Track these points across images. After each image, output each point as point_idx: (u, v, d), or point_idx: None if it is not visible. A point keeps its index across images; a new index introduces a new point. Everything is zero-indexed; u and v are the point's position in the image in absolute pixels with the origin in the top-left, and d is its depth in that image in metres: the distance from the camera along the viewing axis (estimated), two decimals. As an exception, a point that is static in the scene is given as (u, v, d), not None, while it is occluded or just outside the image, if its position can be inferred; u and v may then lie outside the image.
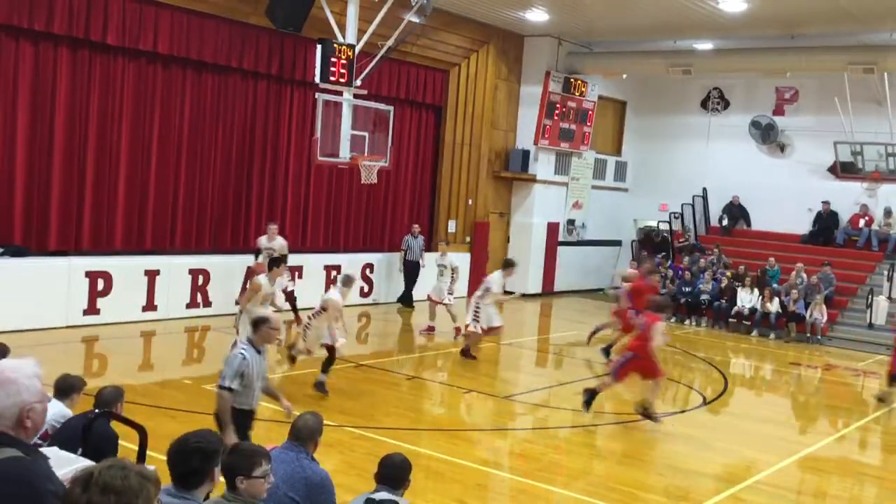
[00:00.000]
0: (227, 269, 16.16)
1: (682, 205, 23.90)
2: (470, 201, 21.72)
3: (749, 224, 23.59)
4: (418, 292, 18.47)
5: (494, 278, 14.02)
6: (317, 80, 15.36)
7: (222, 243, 17.02)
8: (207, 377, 11.73)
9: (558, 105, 22.21)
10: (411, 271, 18.84)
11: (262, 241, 15.54)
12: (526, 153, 22.24)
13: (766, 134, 23.06)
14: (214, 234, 17.00)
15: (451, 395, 11.98)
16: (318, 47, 15.27)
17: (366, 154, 16.25)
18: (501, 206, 22.68)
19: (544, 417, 11.32)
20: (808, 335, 18.79)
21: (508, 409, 11.59)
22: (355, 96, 16.06)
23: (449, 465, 8.58)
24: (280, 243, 15.31)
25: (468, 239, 21.58)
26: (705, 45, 21.05)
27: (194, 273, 15.73)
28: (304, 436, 5.26)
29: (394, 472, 5.18)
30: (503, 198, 22.68)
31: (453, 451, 9.05)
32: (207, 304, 15.84)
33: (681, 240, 23.42)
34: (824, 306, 18.98)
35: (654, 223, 24.78)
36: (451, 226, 21.64)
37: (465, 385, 12.28)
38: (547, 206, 22.83)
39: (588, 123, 23.23)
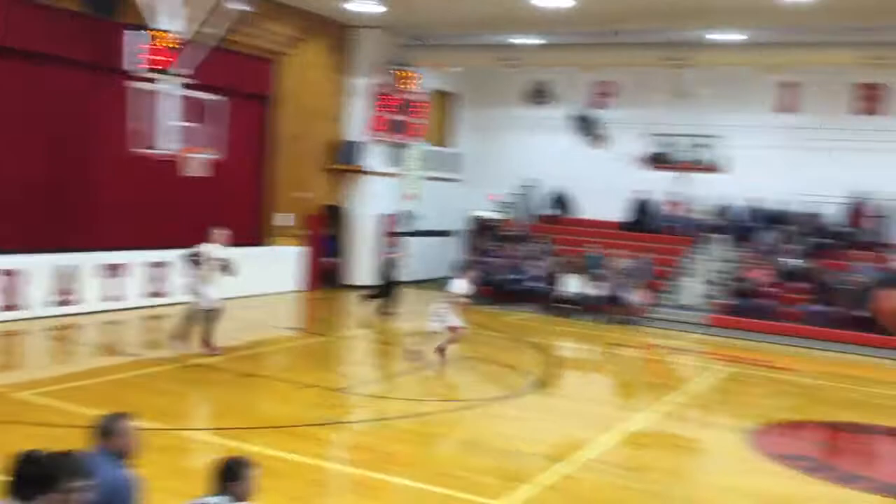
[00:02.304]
0: (42, 270, 15.14)
1: (512, 194, 24.59)
2: (302, 194, 21.42)
3: (574, 212, 24.60)
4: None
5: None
6: (131, 67, 14.65)
7: (36, 241, 15.94)
8: (20, 385, 10.98)
9: (390, 97, 22.25)
10: None
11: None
12: (358, 145, 22.17)
13: (588, 126, 24.13)
14: (27, 231, 15.88)
15: (287, 390, 11.78)
16: (132, 34, 14.58)
17: (190, 146, 15.69)
18: (334, 198, 22.50)
19: (381, 408, 11.35)
20: (629, 317, 19.82)
21: (345, 401, 11.54)
22: (181, 86, 15.46)
23: (285, 463, 8.43)
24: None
25: (301, 232, 21.29)
26: (532, 41, 21.72)
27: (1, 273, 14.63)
28: (107, 437, 4.98)
29: (227, 475, 5.03)
30: (336, 190, 22.51)
31: (290, 448, 8.90)
32: (15, 307, 14.78)
33: (510, 228, 24.11)
34: (643, 290, 20.09)
35: (487, 213, 25.39)
36: (284, 219, 21.28)
37: (300, 380, 12.12)
38: (380, 197, 22.86)
39: (421, 115, 23.43)
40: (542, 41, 21.72)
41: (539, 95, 24.94)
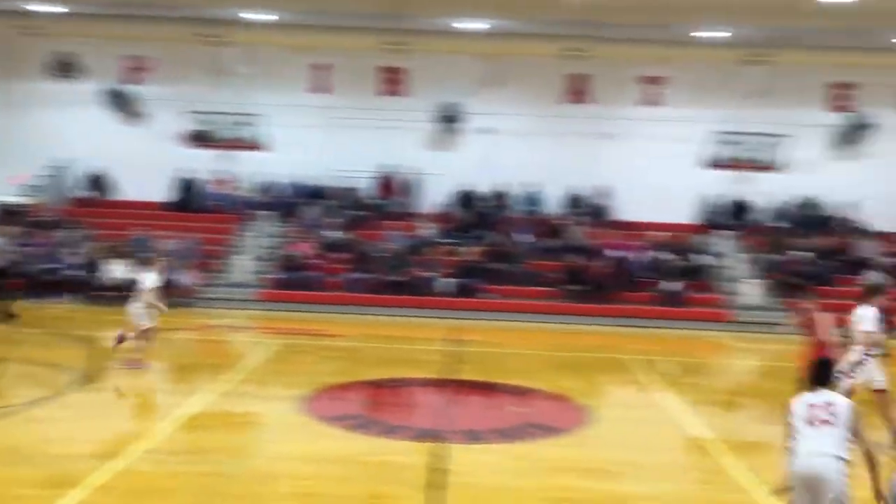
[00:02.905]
0: None
1: (41, 177, 22.53)
2: None
3: (113, 194, 23.32)
4: None
5: None
6: None
7: None
8: None
9: None
10: None
11: None
12: None
13: (124, 103, 22.97)
14: None
15: None
16: None
17: None
18: None
19: None
20: (181, 299, 19.38)
21: None
22: None
23: None
24: None
25: None
26: (53, 8, 19.96)
27: None
28: None
29: None
30: None
31: None
32: None
33: (41, 214, 22.10)
34: (192, 270, 19.81)
35: (11, 198, 22.94)
36: None
37: None
38: None
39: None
40: (65, 9, 20.07)
41: (66, 68, 23.00)
